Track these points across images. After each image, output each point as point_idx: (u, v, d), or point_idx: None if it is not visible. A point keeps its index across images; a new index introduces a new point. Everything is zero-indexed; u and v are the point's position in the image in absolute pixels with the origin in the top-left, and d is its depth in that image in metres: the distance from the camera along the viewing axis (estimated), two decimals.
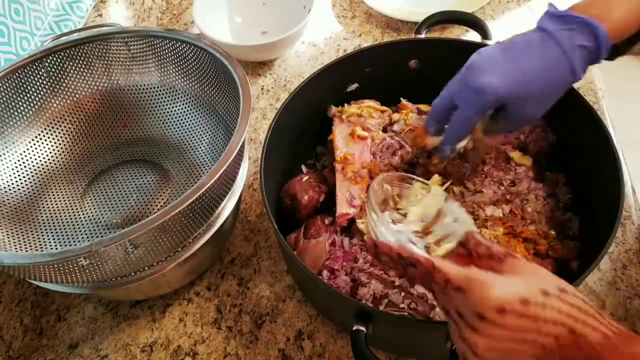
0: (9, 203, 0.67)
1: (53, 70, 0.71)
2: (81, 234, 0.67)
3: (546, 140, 0.68)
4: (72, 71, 0.73)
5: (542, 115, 0.55)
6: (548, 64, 0.51)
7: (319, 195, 0.67)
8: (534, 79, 0.52)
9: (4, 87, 0.67)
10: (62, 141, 0.74)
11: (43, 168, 0.72)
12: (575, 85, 0.71)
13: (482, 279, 0.37)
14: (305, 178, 0.69)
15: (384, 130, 0.72)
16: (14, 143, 0.70)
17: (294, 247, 0.63)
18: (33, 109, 0.71)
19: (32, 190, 0.70)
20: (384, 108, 0.73)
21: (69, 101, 0.74)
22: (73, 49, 0.71)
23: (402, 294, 0.56)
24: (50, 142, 0.73)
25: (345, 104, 0.74)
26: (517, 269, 0.39)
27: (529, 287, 0.37)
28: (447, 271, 0.38)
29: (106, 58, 0.73)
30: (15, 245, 0.64)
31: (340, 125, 0.71)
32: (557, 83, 0.52)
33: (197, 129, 0.75)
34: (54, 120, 0.73)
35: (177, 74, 0.74)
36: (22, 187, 0.70)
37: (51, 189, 0.72)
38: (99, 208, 0.70)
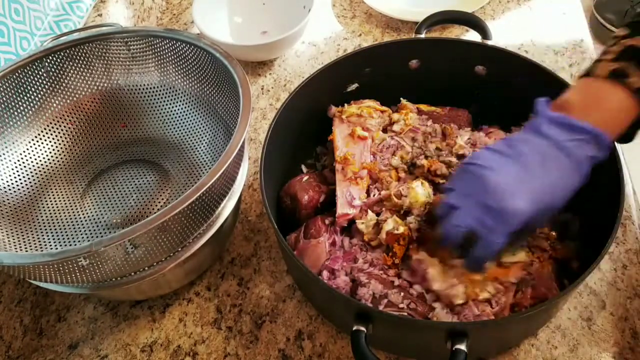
0: (9, 203, 0.67)
1: (53, 70, 0.71)
2: (81, 234, 0.67)
3: None
4: (72, 71, 0.73)
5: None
6: (565, 178, 0.50)
7: (319, 195, 0.67)
8: (555, 194, 0.50)
9: (4, 87, 0.67)
10: (62, 141, 0.74)
11: (43, 168, 0.72)
12: None
13: None
14: (305, 178, 0.69)
15: (384, 130, 0.72)
16: (14, 143, 0.70)
17: (294, 247, 0.63)
18: (33, 109, 0.71)
19: (32, 190, 0.70)
20: (384, 108, 0.73)
21: (69, 101, 0.74)
22: (73, 49, 0.71)
23: (402, 294, 0.56)
24: (50, 142, 0.73)
25: (345, 104, 0.74)
26: None
27: None
28: None
29: (106, 58, 0.73)
30: (15, 245, 0.64)
31: (340, 126, 0.71)
32: (570, 192, 0.51)
33: (197, 129, 0.75)
34: (54, 120, 0.73)
35: (177, 74, 0.74)
36: (22, 187, 0.70)
37: (51, 189, 0.72)
38: (99, 208, 0.70)
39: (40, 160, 0.72)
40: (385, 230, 0.60)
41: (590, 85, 0.52)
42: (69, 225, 0.68)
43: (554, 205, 0.51)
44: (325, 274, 0.61)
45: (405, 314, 0.55)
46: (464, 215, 0.50)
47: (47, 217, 0.69)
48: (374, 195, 0.65)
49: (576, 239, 0.62)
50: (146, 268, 0.57)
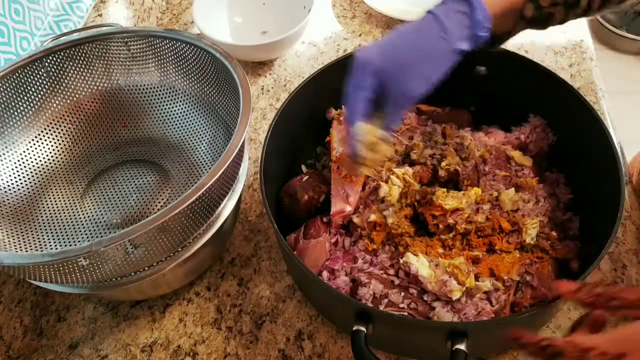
0: (9, 203, 0.67)
1: (53, 70, 0.71)
2: (81, 234, 0.67)
3: (546, 140, 0.68)
4: (72, 71, 0.73)
5: (424, 90, 0.53)
6: (419, 31, 0.52)
7: (319, 195, 0.67)
8: (406, 46, 0.52)
9: (4, 87, 0.67)
10: (62, 141, 0.74)
11: (43, 168, 0.72)
12: (576, 85, 0.71)
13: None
14: (305, 178, 0.69)
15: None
16: (14, 143, 0.70)
17: (293, 247, 0.63)
18: (33, 109, 0.71)
19: (32, 190, 0.70)
20: None
21: (69, 101, 0.74)
22: (73, 49, 0.71)
23: (402, 293, 0.56)
24: (50, 142, 0.73)
25: (344, 106, 0.74)
26: None
27: None
28: (598, 344, 0.39)
29: (106, 58, 0.73)
30: (15, 245, 0.64)
31: (337, 127, 0.71)
32: (431, 49, 0.52)
33: (197, 129, 0.75)
34: (54, 120, 0.73)
35: (177, 74, 0.74)
36: (22, 187, 0.70)
37: (51, 189, 0.72)
38: (99, 208, 0.70)
39: (40, 160, 0.72)
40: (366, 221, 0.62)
41: None
42: (69, 225, 0.68)
43: (406, 59, 0.52)
44: (325, 274, 0.61)
45: (406, 313, 0.55)
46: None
47: (47, 217, 0.69)
48: (368, 187, 0.65)
49: (576, 239, 0.62)
50: (146, 268, 0.57)
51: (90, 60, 0.73)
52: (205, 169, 0.73)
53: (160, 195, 0.70)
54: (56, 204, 0.70)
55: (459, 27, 0.51)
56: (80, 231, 0.68)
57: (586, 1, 0.52)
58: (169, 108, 0.76)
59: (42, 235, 0.67)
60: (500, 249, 0.60)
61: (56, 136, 0.74)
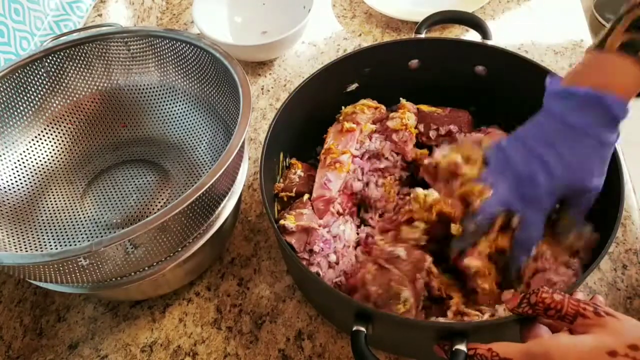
0: (9, 203, 0.67)
1: (53, 70, 0.71)
2: (81, 234, 0.67)
3: None
4: (72, 71, 0.73)
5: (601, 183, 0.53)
6: (579, 151, 0.51)
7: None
8: (572, 168, 0.52)
9: (4, 87, 0.67)
10: (62, 141, 0.74)
11: (43, 168, 0.72)
12: None
13: (544, 350, 0.39)
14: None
15: (375, 123, 0.72)
16: (14, 143, 0.70)
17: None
18: (33, 109, 0.71)
19: (32, 190, 0.70)
20: (378, 105, 0.74)
21: (68, 101, 0.74)
22: (73, 49, 0.71)
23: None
24: (50, 142, 0.73)
25: (343, 106, 0.74)
26: (587, 328, 0.40)
27: (596, 350, 0.37)
28: (514, 354, 0.41)
29: (106, 58, 0.73)
30: (15, 245, 0.64)
31: (336, 126, 0.72)
32: (594, 162, 0.52)
33: (197, 129, 0.75)
34: (54, 120, 0.73)
35: (177, 74, 0.74)
36: (22, 187, 0.70)
37: (51, 189, 0.72)
38: (99, 208, 0.70)
39: (40, 160, 0.72)
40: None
41: (597, 57, 0.51)
42: (69, 225, 0.68)
43: (579, 177, 0.51)
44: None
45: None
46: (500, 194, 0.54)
47: (47, 217, 0.69)
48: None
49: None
50: (146, 268, 0.57)
51: (90, 60, 0.73)
52: (205, 169, 0.73)
53: (160, 195, 0.70)
54: (56, 204, 0.70)
55: (608, 128, 0.51)
56: (80, 231, 0.68)
57: None
58: (169, 108, 0.76)
59: (42, 235, 0.67)
60: None
61: (56, 136, 0.74)
